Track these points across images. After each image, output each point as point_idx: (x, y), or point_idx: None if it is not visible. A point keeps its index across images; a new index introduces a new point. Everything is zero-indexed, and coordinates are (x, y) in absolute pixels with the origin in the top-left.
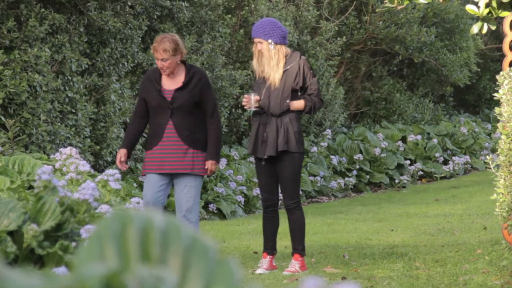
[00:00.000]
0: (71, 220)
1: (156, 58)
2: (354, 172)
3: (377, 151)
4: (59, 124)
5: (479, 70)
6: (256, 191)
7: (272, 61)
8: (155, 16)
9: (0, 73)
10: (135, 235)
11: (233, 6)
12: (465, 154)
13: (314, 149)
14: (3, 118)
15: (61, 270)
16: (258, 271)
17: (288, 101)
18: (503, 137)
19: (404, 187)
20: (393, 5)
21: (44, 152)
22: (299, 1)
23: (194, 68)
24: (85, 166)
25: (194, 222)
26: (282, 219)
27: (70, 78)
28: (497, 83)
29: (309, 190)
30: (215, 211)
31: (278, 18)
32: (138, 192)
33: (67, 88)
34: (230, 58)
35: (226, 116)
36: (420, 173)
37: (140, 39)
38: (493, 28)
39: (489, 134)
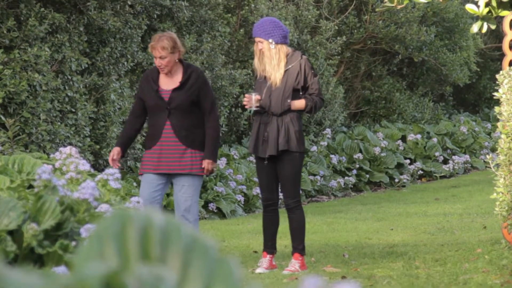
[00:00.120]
0: (71, 219)
1: (154, 56)
2: (354, 172)
3: (377, 150)
4: (59, 123)
5: (478, 70)
6: (256, 190)
7: (272, 61)
8: (155, 16)
9: (0, 73)
10: (135, 235)
11: (233, 6)
12: (465, 153)
13: (314, 148)
14: (3, 118)
15: (61, 269)
16: (258, 270)
17: (289, 101)
18: (503, 136)
19: (404, 186)
20: (393, 5)
21: (44, 152)
22: (299, 1)
23: (192, 68)
24: (85, 166)
25: (193, 222)
26: (282, 218)
27: (70, 77)
28: (497, 82)
29: (309, 190)
30: (215, 210)
31: (278, 18)
32: (138, 192)
33: (67, 88)
34: (230, 57)
35: (226, 116)
36: (420, 172)
37: (140, 38)
38: (493, 27)
39: (489, 133)
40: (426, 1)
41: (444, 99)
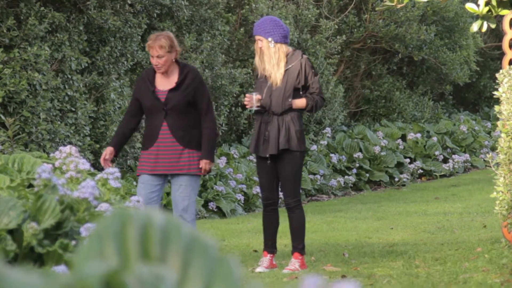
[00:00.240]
0: (71, 219)
1: (152, 55)
2: (354, 171)
3: (376, 149)
4: (58, 122)
5: (478, 69)
6: (256, 189)
7: (272, 60)
8: (155, 15)
9: (0, 72)
10: (135, 234)
11: (233, 5)
12: (464, 152)
13: (314, 147)
14: (2, 117)
15: (61, 268)
16: (258, 269)
17: (290, 100)
18: (502, 135)
19: (403, 185)
20: (393, 4)
21: (44, 151)
22: (299, 0)
23: (188, 68)
24: (84, 165)
25: (190, 222)
26: (282, 217)
27: (69, 76)
28: (497, 81)
29: (309, 189)
30: (215, 210)
31: (278, 17)
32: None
33: (66, 87)
34: (230, 56)
35: (225, 115)
36: (420, 171)
37: (139, 37)
38: (493, 26)
39: (489, 132)
40: (426, 0)
41: (444, 98)
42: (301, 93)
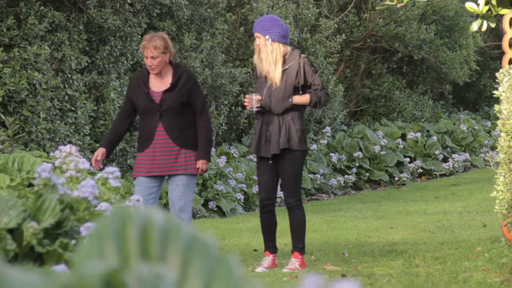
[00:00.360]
0: (71, 218)
1: (146, 56)
2: (354, 170)
3: (376, 148)
4: (58, 122)
5: (478, 68)
6: (256, 188)
7: (268, 58)
8: (155, 14)
9: (0, 71)
10: (135, 233)
11: (233, 4)
12: (464, 151)
13: (314, 146)
14: (2, 116)
15: (61, 268)
16: (259, 269)
17: (290, 100)
18: (502, 134)
19: (403, 184)
20: (393, 3)
21: (44, 150)
22: None
23: (182, 69)
24: (84, 164)
25: (187, 221)
26: (282, 216)
27: (69, 76)
28: (497, 80)
29: (308, 188)
30: (215, 209)
31: (278, 16)
32: None
33: (66, 86)
34: (230, 56)
35: (225, 114)
36: (420, 170)
37: (139, 36)
38: (493, 25)
39: (489, 132)
40: None
41: (444, 97)
42: (300, 92)
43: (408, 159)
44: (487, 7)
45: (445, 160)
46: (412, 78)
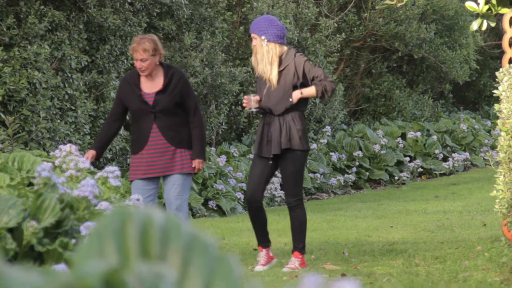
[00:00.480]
0: (71, 217)
1: (135, 58)
2: (354, 169)
3: (376, 148)
4: (58, 121)
5: (478, 67)
6: None
7: (264, 58)
8: (155, 13)
9: (0, 70)
10: (135, 232)
11: (234, 3)
12: (464, 151)
13: (314, 146)
14: (2, 115)
15: (61, 267)
16: (257, 267)
17: (290, 99)
18: (502, 134)
19: (403, 184)
20: (393, 2)
21: (44, 149)
22: None
23: (172, 69)
24: (84, 163)
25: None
26: (283, 216)
27: (69, 75)
28: (497, 79)
29: (308, 187)
30: (215, 208)
31: (278, 16)
32: None
33: (66, 85)
34: (229, 55)
35: (225, 113)
36: (420, 170)
37: None
38: (493, 25)
39: (489, 131)
40: None
41: (444, 97)
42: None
43: (408, 159)
44: (487, 6)
45: (445, 159)
46: (412, 77)
